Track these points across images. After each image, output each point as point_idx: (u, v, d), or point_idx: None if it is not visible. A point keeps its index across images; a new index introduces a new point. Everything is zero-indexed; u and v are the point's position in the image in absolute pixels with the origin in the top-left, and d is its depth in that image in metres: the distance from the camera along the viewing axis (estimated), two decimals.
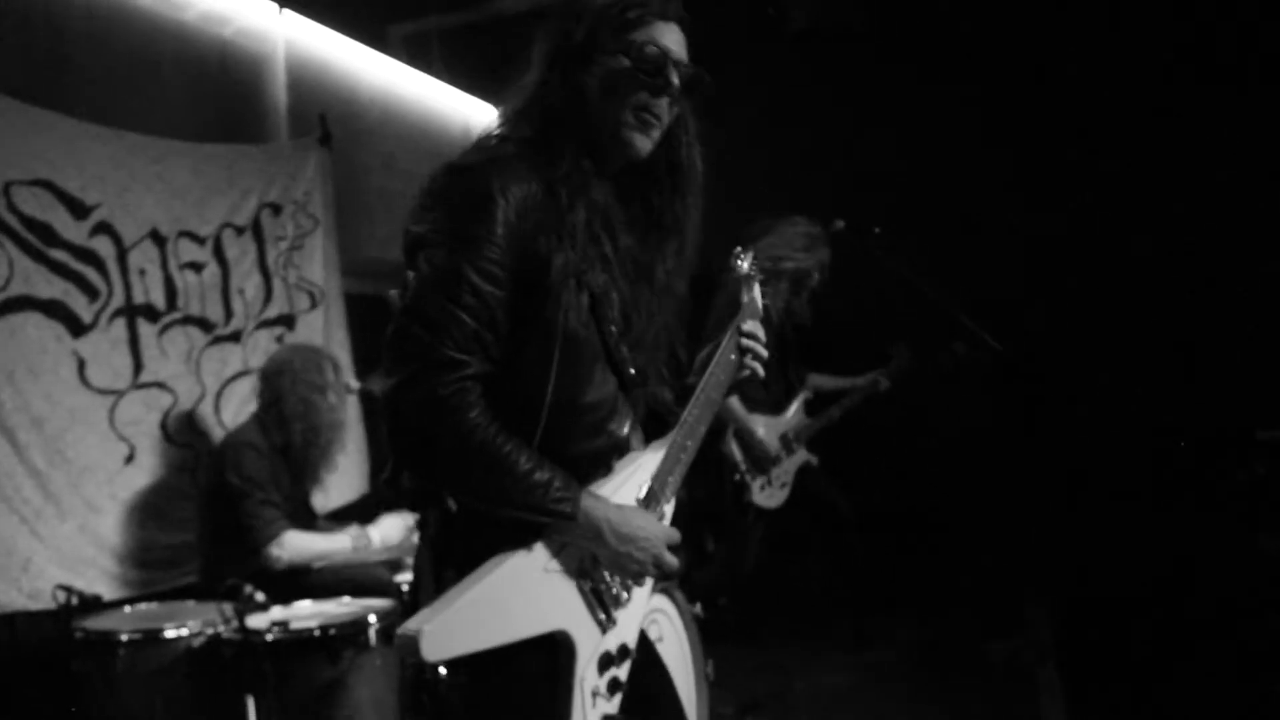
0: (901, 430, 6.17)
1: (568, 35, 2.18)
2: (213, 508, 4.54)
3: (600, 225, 2.14)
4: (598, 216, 2.13)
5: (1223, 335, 5.78)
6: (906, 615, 6.08)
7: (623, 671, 2.16)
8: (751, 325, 2.57)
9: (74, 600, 3.75)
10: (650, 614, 3.45)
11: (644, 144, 2.20)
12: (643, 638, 2.28)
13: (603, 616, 2.11)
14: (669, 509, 2.28)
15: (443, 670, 2.00)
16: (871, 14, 6.72)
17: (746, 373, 2.54)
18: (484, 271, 1.97)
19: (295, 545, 4.38)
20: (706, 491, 5.52)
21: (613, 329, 2.18)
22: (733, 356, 2.51)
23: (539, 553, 2.01)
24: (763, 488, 5.53)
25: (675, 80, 2.17)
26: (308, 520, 4.75)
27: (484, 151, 2.13)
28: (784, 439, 5.61)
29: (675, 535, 2.19)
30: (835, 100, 6.74)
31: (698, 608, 4.07)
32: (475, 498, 2.02)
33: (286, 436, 4.61)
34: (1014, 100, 6.36)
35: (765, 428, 5.55)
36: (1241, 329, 5.77)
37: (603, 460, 2.19)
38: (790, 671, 5.38)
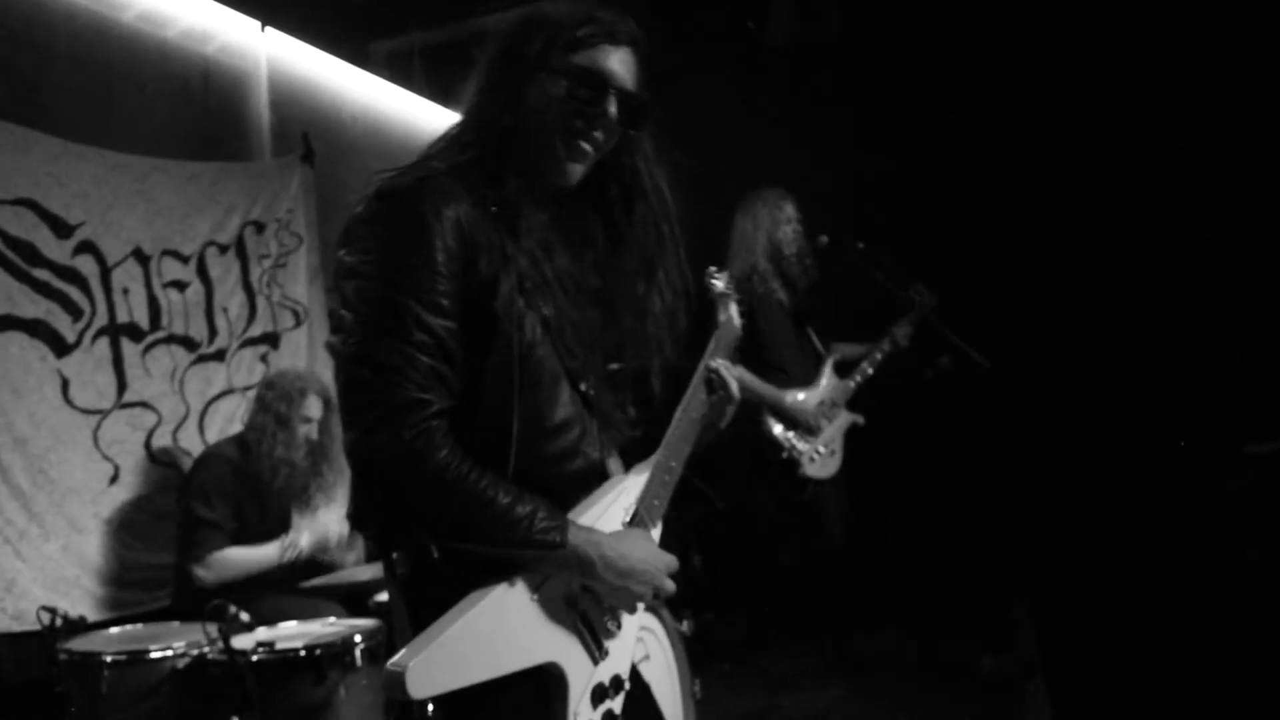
0: (888, 444, 6.16)
1: (518, 51, 2.11)
2: None
3: (539, 246, 2.06)
4: (536, 236, 2.06)
5: (1213, 349, 5.79)
6: (893, 629, 6.07)
7: (617, 704, 2.08)
8: (719, 363, 2.48)
9: (58, 621, 3.73)
10: (637, 632, 3.45)
11: (573, 170, 2.12)
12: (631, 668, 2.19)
13: (594, 647, 2.04)
14: (656, 533, 2.22)
15: (430, 707, 1.90)
16: (850, 26, 6.72)
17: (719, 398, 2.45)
18: (429, 304, 1.89)
19: (221, 563, 4.39)
20: (754, 484, 5.46)
21: (566, 348, 2.10)
22: (710, 374, 2.45)
23: (521, 584, 1.93)
24: (812, 459, 5.42)
25: (612, 109, 2.09)
26: None
27: (414, 172, 2.03)
28: (820, 405, 5.51)
29: (674, 562, 2.13)
30: (815, 114, 6.74)
31: (684, 625, 4.07)
32: (457, 538, 1.92)
33: (252, 463, 4.60)
34: (996, 112, 6.38)
35: (803, 396, 5.43)
36: (1232, 343, 5.77)
37: (582, 483, 2.12)
38: (776, 688, 5.37)
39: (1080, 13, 6.23)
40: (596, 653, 2.04)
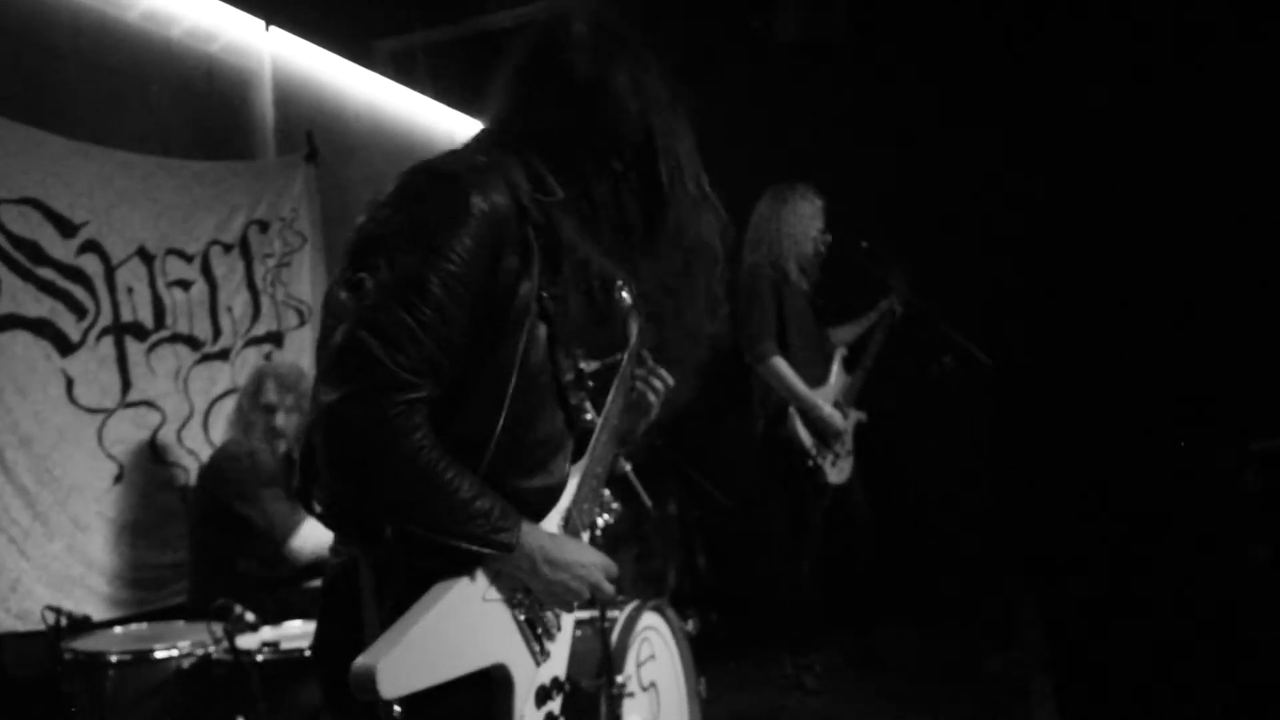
0: (892, 444, 6.16)
1: (604, 63, 2.11)
2: (205, 525, 4.50)
3: (565, 255, 2.03)
4: (565, 246, 2.03)
5: (1220, 346, 5.78)
6: (899, 629, 6.06)
7: (557, 705, 2.07)
8: (642, 356, 2.47)
9: (63, 621, 3.71)
10: (642, 632, 3.45)
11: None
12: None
13: (537, 648, 2.02)
14: (586, 537, 2.21)
15: (397, 709, 1.77)
16: (857, 27, 6.72)
17: (650, 400, 2.45)
18: (449, 287, 1.84)
19: (313, 535, 4.27)
20: (773, 481, 5.43)
21: (565, 362, 2.08)
22: (631, 385, 2.43)
23: (479, 580, 1.91)
24: (833, 463, 5.39)
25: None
26: None
27: (461, 159, 2.00)
28: (837, 405, 5.48)
29: (613, 566, 2.12)
30: (821, 114, 6.74)
31: (689, 625, 4.06)
32: (412, 524, 1.85)
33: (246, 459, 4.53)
34: (1002, 111, 6.37)
35: (828, 411, 5.38)
36: (1239, 339, 5.77)
37: (543, 499, 2.08)
38: (782, 687, 5.37)
39: (1088, 10, 6.22)
40: (539, 654, 2.03)
